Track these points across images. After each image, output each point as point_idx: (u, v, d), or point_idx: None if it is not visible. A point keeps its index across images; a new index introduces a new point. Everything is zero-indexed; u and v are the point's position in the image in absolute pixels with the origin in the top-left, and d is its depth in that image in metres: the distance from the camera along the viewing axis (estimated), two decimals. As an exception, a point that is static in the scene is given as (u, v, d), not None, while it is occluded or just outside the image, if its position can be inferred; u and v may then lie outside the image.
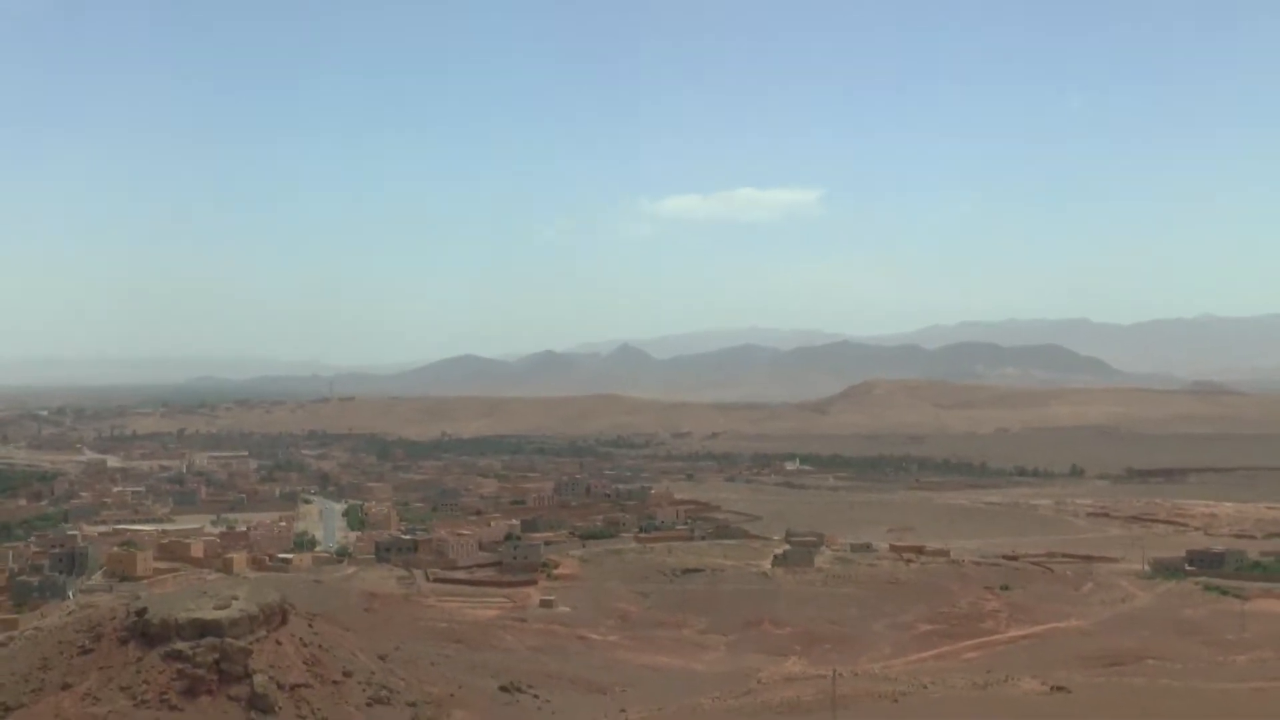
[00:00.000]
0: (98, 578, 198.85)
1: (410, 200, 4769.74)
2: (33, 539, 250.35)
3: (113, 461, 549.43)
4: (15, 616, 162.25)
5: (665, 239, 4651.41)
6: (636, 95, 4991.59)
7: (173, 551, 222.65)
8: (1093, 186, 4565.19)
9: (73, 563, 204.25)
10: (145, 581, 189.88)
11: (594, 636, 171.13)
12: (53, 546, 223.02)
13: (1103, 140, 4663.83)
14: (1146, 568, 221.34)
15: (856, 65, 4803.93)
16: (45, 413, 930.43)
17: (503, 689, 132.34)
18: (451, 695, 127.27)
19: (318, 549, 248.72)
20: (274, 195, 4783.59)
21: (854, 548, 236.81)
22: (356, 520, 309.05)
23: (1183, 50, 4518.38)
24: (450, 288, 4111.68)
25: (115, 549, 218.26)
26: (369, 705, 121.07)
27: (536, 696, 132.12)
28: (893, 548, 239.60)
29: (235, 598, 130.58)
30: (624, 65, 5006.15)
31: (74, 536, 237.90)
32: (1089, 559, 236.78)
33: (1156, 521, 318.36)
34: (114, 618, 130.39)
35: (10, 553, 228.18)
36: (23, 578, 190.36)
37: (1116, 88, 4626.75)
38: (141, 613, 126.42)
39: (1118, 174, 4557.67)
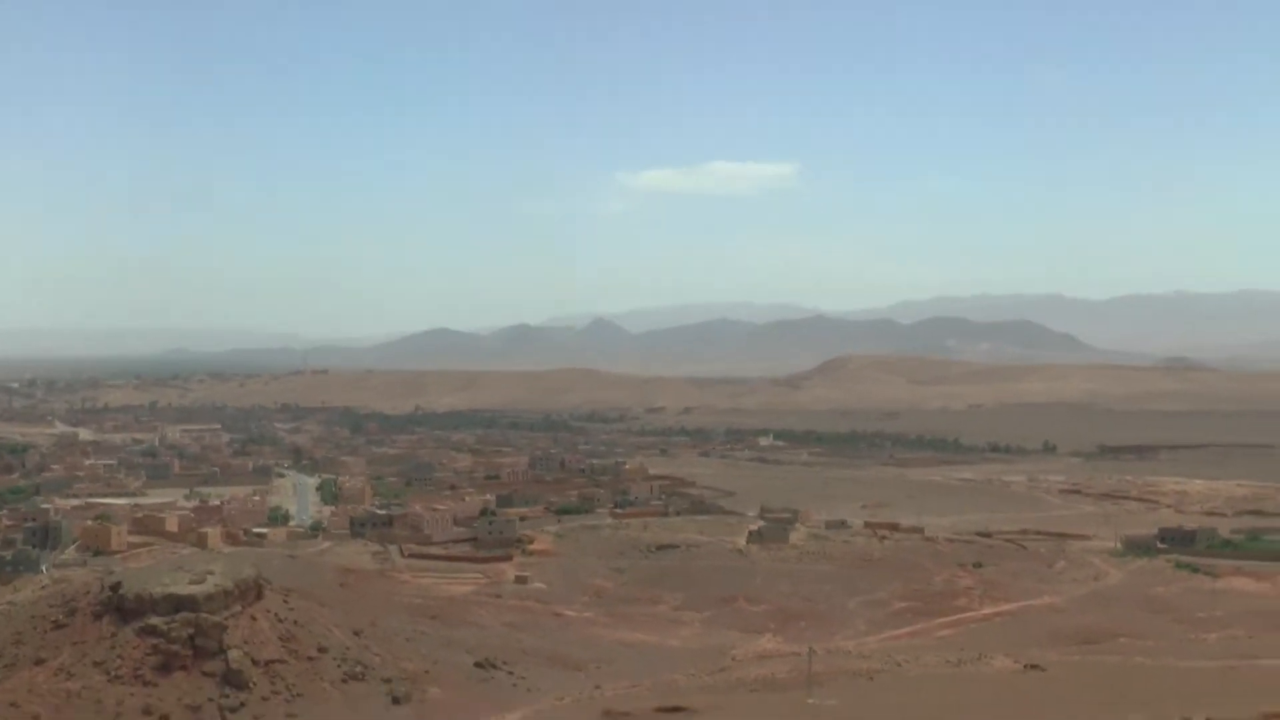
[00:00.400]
0: (71, 552, 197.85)
1: (384, 173, 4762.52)
2: (4, 512, 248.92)
3: (84, 434, 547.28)
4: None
5: (640, 212, 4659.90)
6: (612, 69, 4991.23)
7: (147, 525, 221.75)
8: (1066, 162, 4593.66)
9: (46, 536, 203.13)
10: (119, 556, 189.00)
11: (569, 613, 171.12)
12: (25, 520, 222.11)
13: (1077, 116, 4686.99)
14: (1118, 545, 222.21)
15: (833, 39, 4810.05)
16: (15, 385, 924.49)
17: (478, 665, 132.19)
18: (426, 671, 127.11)
19: (291, 524, 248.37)
20: (248, 167, 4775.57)
21: (828, 524, 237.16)
22: (330, 495, 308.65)
23: (1158, 28, 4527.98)
24: (424, 261, 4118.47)
25: (89, 523, 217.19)
26: (344, 681, 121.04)
27: (512, 673, 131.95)
28: (867, 525, 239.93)
29: (210, 572, 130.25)
30: (599, 39, 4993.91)
31: (46, 510, 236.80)
32: (1062, 536, 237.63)
33: (1128, 499, 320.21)
34: (88, 592, 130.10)
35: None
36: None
37: (1091, 64, 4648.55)
38: (116, 587, 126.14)
39: (1091, 150, 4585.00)
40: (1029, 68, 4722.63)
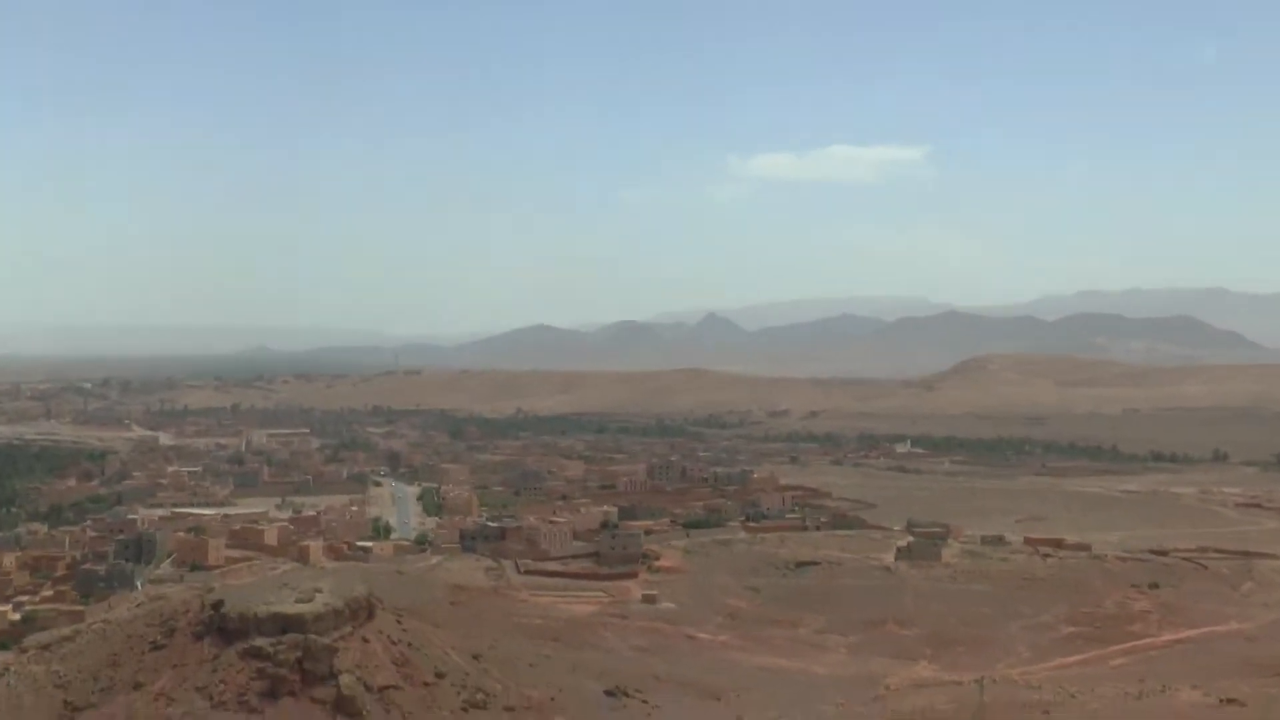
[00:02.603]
0: (166, 566, 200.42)
1: (480, 158, 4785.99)
2: (89, 523, 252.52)
3: (165, 439, 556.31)
4: (81, 608, 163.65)
5: (755, 200, 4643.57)
6: (722, 43, 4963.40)
7: (245, 539, 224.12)
8: (1228, 142, 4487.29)
9: (139, 550, 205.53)
10: (217, 571, 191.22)
11: (702, 635, 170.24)
12: (115, 532, 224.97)
13: (1238, 92, 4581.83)
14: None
15: (963, 9, 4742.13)
16: (89, 385, 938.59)
17: (608, 693, 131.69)
18: (552, 699, 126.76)
19: (394, 536, 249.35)
20: (331, 154, 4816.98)
21: (984, 540, 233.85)
22: (433, 505, 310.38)
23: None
24: (521, 252, 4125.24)
25: (183, 535, 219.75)
26: (464, 710, 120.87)
27: (645, 701, 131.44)
28: (1027, 541, 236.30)
29: (318, 590, 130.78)
30: (709, 10, 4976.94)
31: (134, 521, 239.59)
32: (1246, 554, 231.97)
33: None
34: (188, 611, 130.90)
35: (67, 538, 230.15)
36: (87, 566, 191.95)
37: (1253, 35, 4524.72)
38: (217, 606, 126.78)
39: (1255, 129, 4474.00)
40: (1185, 40, 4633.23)
